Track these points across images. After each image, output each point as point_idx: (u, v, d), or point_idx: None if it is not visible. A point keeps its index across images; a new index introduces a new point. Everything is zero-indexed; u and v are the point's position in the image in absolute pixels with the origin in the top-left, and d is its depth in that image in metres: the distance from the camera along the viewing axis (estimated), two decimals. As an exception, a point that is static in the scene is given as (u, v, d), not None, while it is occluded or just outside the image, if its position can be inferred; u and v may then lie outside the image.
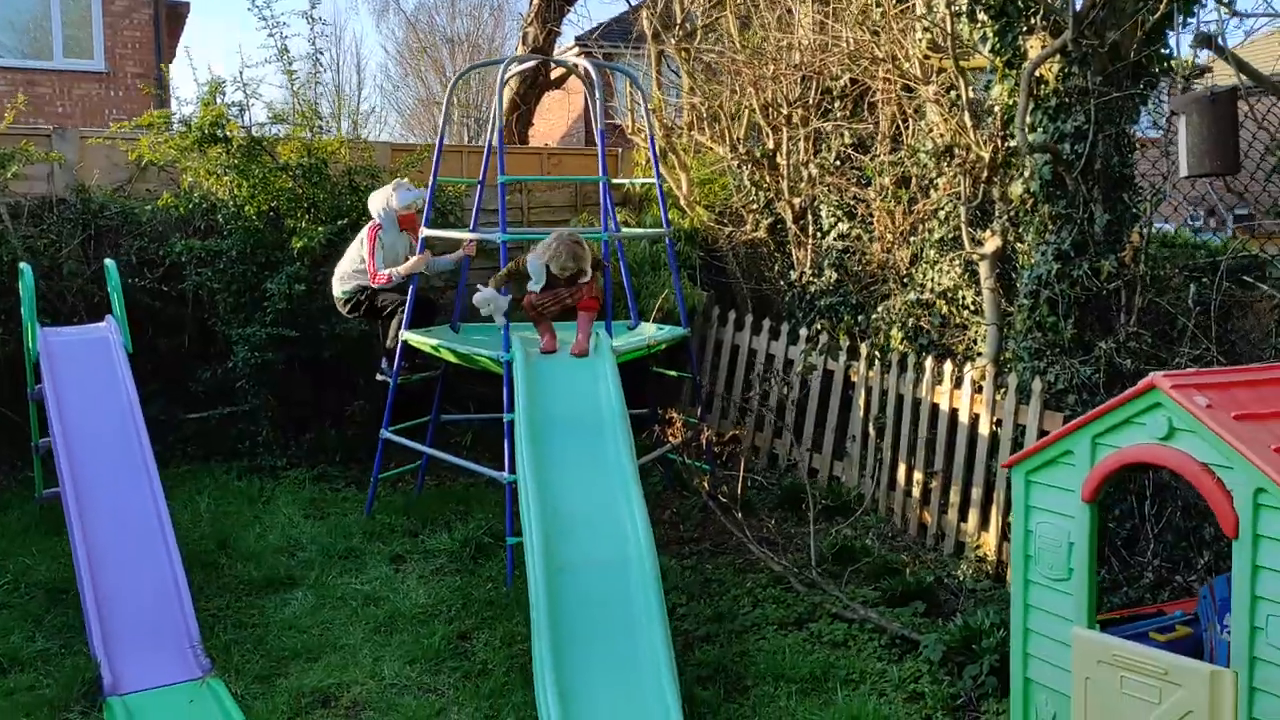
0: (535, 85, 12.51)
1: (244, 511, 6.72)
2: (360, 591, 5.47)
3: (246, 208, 7.43)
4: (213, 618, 5.12)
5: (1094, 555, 3.62)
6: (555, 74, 12.63)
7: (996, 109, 5.96)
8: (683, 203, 8.66)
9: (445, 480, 7.34)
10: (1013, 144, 5.95)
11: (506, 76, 6.72)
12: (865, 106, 7.45)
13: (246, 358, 7.29)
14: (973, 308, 6.43)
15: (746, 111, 8.07)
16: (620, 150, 10.04)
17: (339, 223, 7.53)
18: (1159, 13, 5.12)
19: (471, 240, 6.58)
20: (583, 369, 5.49)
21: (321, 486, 7.33)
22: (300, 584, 5.58)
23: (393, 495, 7.06)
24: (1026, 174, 5.59)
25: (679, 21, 8.74)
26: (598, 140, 6.30)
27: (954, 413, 6.01)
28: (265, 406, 7.54)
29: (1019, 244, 5.92)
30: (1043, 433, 5.35)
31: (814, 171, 7.67)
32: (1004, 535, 5.54)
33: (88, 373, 5.74)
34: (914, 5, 6.56)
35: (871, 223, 7.29)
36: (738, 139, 8.17)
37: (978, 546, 5.66)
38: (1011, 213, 5.98)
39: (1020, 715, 3.92)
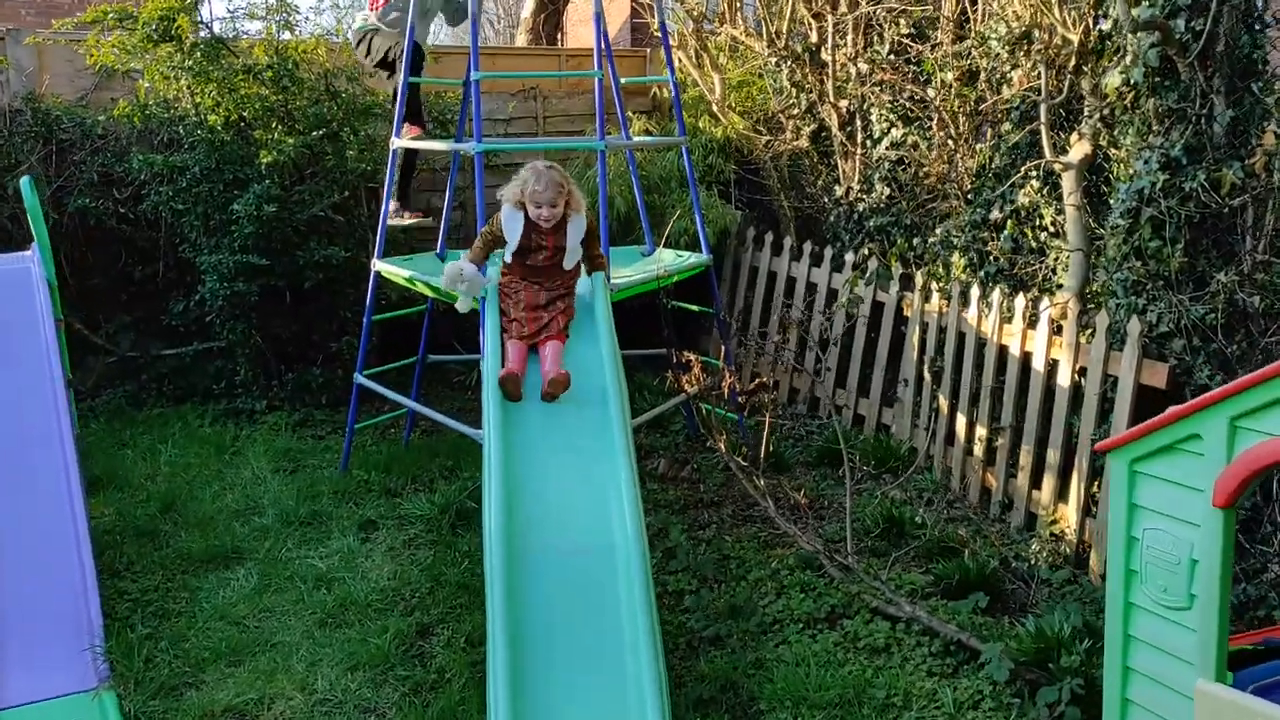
0: (562, -19, 11.36)
1: (208, 464, 5.94)
2: (314, 570, 4.64)
3: (209, 117, 6.51)
4: (133, 604, 4.34)
5: (1227, 579, 2.62)
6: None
7: (1089, -21, 4.78)
8: (715, 109, 7.56)
9: (439, 427, 6.47)
10: (1107, 24, 4.78)
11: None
12: (925, -14, 6.27)
13: (216, 288, 6.44)
14: (1052, 229, 5.32)
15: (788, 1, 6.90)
16: (648, 51, 8.92)
17: (315, 133, 6.58)
18: None
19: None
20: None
21: (301, 434, 6.52)
22: (247, 558, 4.77)
23: (377, 445, 6.23)
24: (1127, 60, 4.45)
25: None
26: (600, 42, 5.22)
27: (1026, 357, 4.96)
28: (241, 343, 6.71)
29: (1114, 150, 4.79)
30: (1141, 387, 4.30)
31: (863, 68, 6.52)
32: (1087, 510, 4.53)
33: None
34: None
35: (930, 128, 6.16)
36: (777, 32, 7.02)
37: (1053, 521, 4.66)
38: (1105, 111, 4.84)
39: (1115, 776, 2.97)
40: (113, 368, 7.14)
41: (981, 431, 5.15)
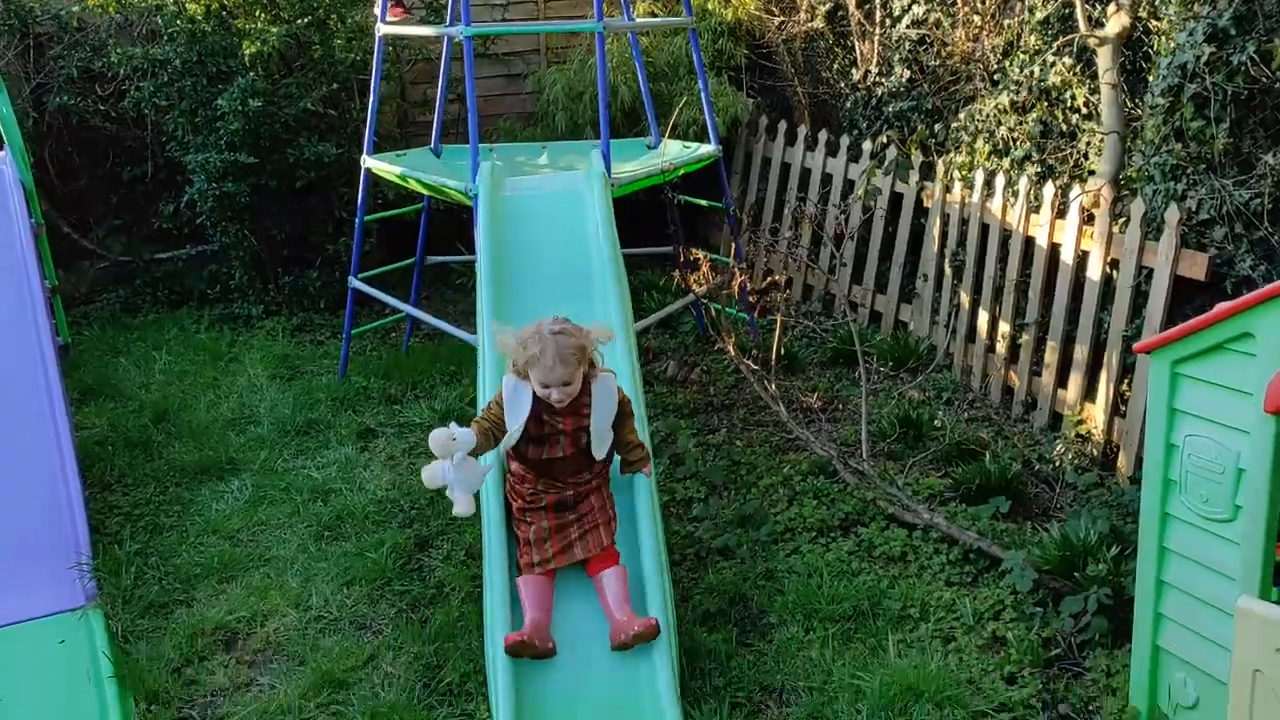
0: None
1: (203, 372, 5.77)
2: (310, 481, 4.49)
3: (189, 5, 6.16)
4: (123, 519, 4.21)
5: (1277, 490, 2.40)
6: None
7: None
8: (725, -13, 7.12)
9: (439, 332, 6.26)
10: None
11: None
12: None
13: (204, 188, 6.18)
14: (1085, 111, 4.98)
15: None
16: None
17: (300, 21, 6.23)
18: None
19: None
20: (567, 205, 4.27)
21: (300, 339, 6.34)
22: (242, 470, 4.62)
23: (377, 351, 6.04)
24: (1173, -80, 4.05)
25: None
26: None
27: (1054, 249, 4.67)
28: (235, 246, 6.48)
29: (1154, 22, 4.42)
30: (1178, 279, 4.02)
31: (883, -61, 6.08)
32: (1116, 409, 4.30)
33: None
34: None
35: (954, 3, 5.75)
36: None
37: (1079, 421, 4.43)
38: (1146, -21, 4.45)
39: (1145, 692, 2.81)
40: (105, 273, 6.94)
41: (1004, 328, 4.90)
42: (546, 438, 3.18)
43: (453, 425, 3.08)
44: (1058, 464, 4.30)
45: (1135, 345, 2.66)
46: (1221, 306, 2.43)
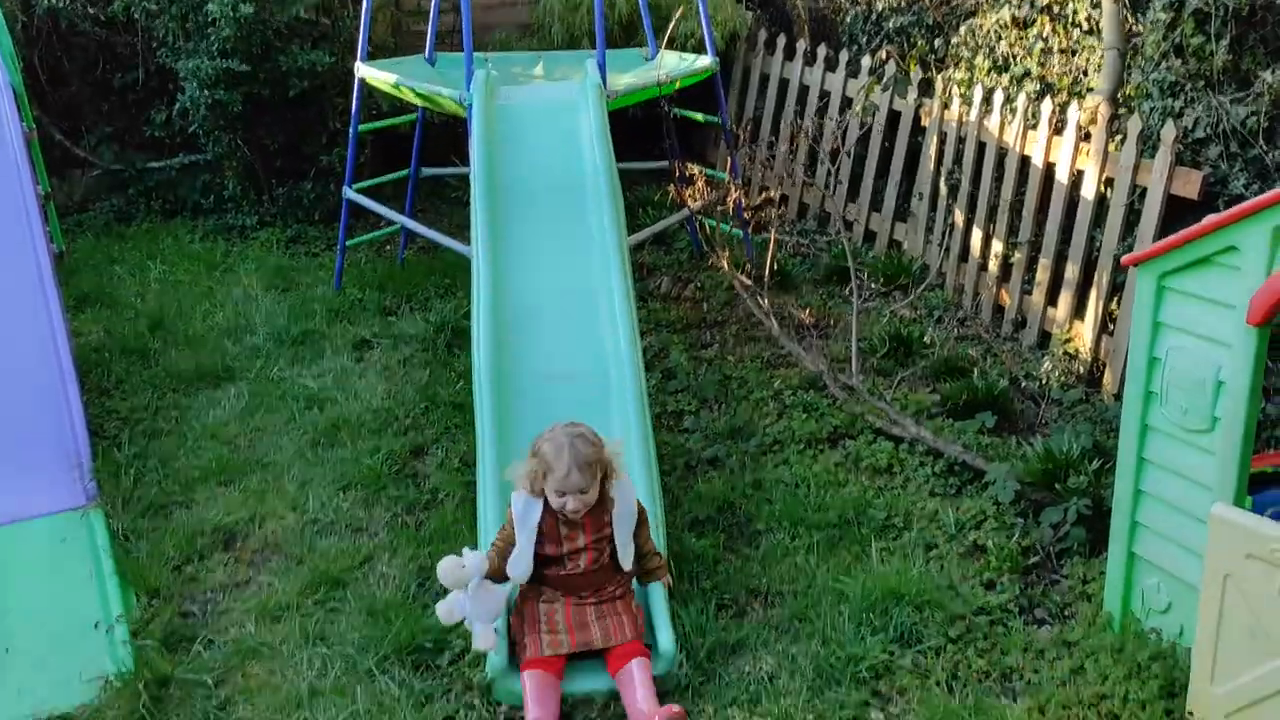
0: None
1: (199, 281, 5.78)
2: (306, 390, 4.53)
3: (178, -93, 6.02)
4: (121, 423, 4.26)
5: (1255, 402, 2.45)
6: None
7: None
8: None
9: (434, 245, 6.25)
10: None
11: None
12: None
13: (196, 96, 6.11)
14: (1086, 26, 4.92)
15: None
16: None
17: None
18: None
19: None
20: (562, 116, 4.24)
21: (294, 251, 6.34)
22: (238, 378, 4.66)
23: (372, 263, 6.04)
24: None
25: None
26: None
27: (1050, 168, 4.67)
28: (228, 155, 6.43)
29: (1160, -65, 4.34)
30: (1171, 198, 4.03)
31: None
32: (1104, 327, 4.34)
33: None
34: None
35: (959, -86, 5.65)
36: None
37: (1067, 339, 4.48)
38: (1153, -110, 4.36)
39: (1120, 597, 2.90)
40: (98, 181, 6.90)
41: (998, 247, 4.91)
42: (566, 557, 2.88)
43: (464, 552, 2.83)
44: (1044, 381, 4.35)
45: (1123, 258, 2.69)
46: (1209, 219, 2.45)
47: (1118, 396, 4.09)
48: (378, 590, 3.24)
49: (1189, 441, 2.59)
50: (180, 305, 5.43)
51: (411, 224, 5.23)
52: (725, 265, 4.68)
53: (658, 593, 2.99)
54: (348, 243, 5.63)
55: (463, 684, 2.84)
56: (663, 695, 2.74)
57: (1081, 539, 3.29)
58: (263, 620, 3.11)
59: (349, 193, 5.38)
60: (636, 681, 2.69)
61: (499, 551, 2.88)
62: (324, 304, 5.41)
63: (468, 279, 5.52)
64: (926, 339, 4.73)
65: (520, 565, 2.85)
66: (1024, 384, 4.40)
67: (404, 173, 5.86)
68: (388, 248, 6.31)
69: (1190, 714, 2.57)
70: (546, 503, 2.86)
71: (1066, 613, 3.08)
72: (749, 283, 4.69)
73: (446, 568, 2.77)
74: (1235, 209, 2.38)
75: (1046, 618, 3.07)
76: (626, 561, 2.91)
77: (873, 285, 5.06)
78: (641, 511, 2.99)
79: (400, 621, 3.02)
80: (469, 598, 2.76)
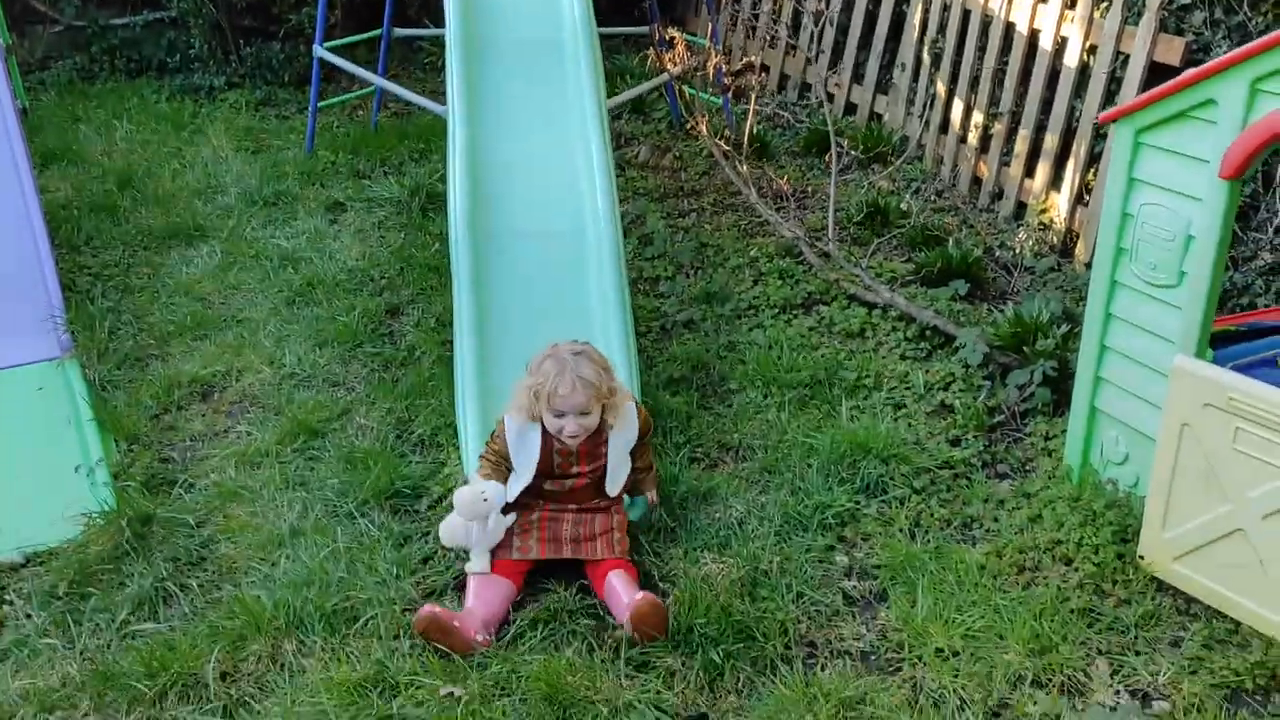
0: None
1: (166, 142, 5.68)
2: (280, 249, 4.50)
3: None
4: (93, 278, 4.23)
5: (1222, 256, 2.50)
6: None
7: None
8: None
9: (408, 109, 6.15)
10: None
11: None
12: None
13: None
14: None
15: None
16: None
17: None
18: None
19: None
20: (540, -33, 4.13)
21: (264, 113, 6.22)
22: (210, 236, 4.62)
23: (344, 127, 5.94)
24: None
25: None
26: None
27: (1034, 35, 4.61)
28: (193, 11, 6.25)
29: None
30: (1153, 65, 4.01)
31: None
32: (1080, 198, 4.36)
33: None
34: None
35: None
36: None
37: (1043, 210, 4.50)
38: None
39: (1079, 452, 2.99)
40: (60, 38, 6.70)
41: (978, 118, 4.89)
42: (556, 474, 2.75)
43: (475, 479, 2.73)
44: (1018, 251, 4.39)
45: (1101, 115, 2.69)
46: (1188, 73, 2.45)
47: (1089, 266, 4.13)
48: (356, 440, 3.28)
49: (1156, 297, 2.64)
50: (149, 165, 5.34)
51: (386, 83, 5.13)
52: (704, 130, 4.64)
53: (640, 508, 2.85)
54: (319, 105, 5.52)
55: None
56: (635, 541, 2.81)
57: (1046, 399, 3.37)
58: (243, 466, 3.15)
59: (320, 51, 5.25)
60: (619, 588, 2.57)
61: (492, 466, 2.74)
62: (296, 166, 5.34)
63: (442, 144, 5.46)
64: (904, 206, 4.73)
65: (517, 491, 2.73)
66: (998, 254, 4.43)
67: (376, 33, 5.71)
68: (359, 112, 6.19)
69: (1141, 558, 2.68)
70: (544, 429, 2.71)
71: (1027, 467, 3.17)
72: (727, 148, 4.65)
73: (467, 500, 2.61)
74: (1214, 62, 2.38)
75: (1008, 472, 3.17)
76: (614, 488, 2.77)
77: (853, 151, 5.02)
78: (646, 428, 2.85)
79: (379, 468, 3.07)
80: (481, 528, 2.64)
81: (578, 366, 2.64)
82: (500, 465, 2.76)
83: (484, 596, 2.57)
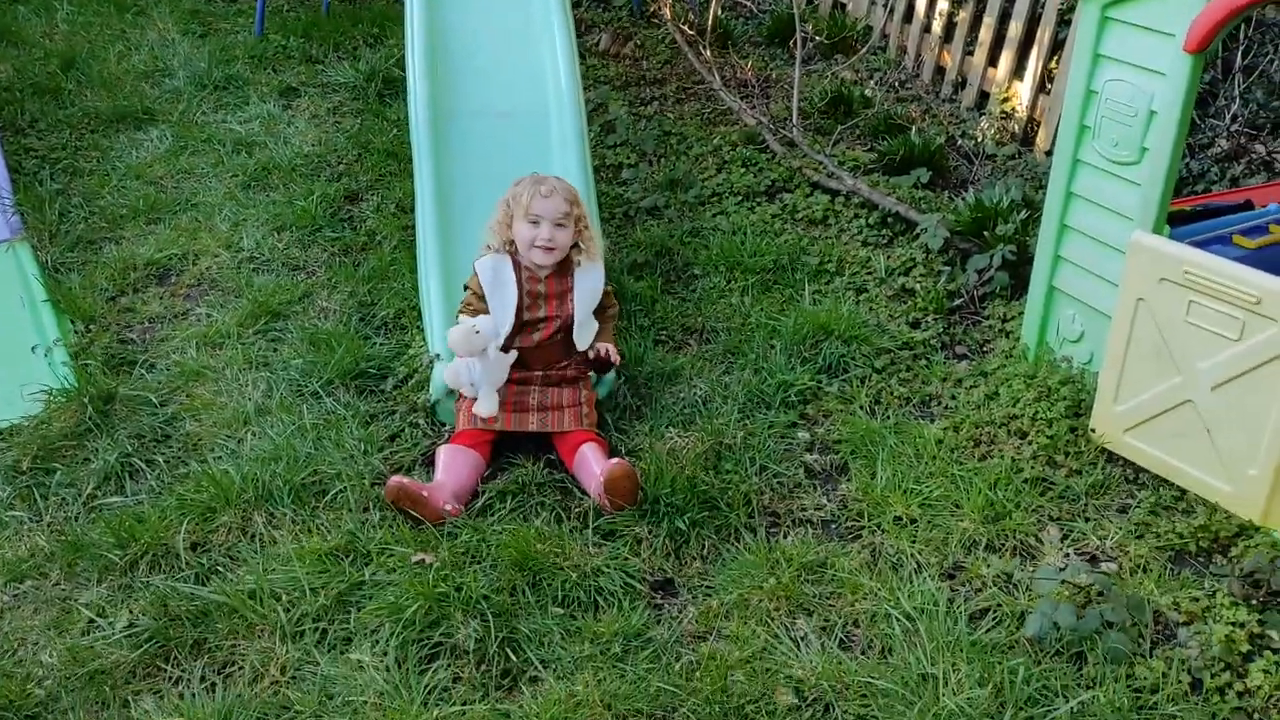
0: None
1: (109, 24, 5.48)
2: (233, 134, 4.40)
3: None
4: (39, 160, 4.11)
5: (1183, 132, 2.52)
6: None
7: None
8: None
9: (361, -7, 5.96)
10: None
11: None
12: None
13: None
14: None
15: None
16: None
17: None
18: None
19: None
20: None
21: (211, -5, 6.00)
22: (160, 120, 4.50)
23: (295, 10, 5.75)
24: None
25: None
26: None
27: (1002, -79, 4.55)
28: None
29: None
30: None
31: None
32: (1042, 86, 4.37)
33: None
34: None
35: None
36: None
37: (1005, 99, 4.50)
38: None
39: (1036, 331, 3.05)
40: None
41: (943, 6, 4.84)
42: (524, 323, 2.79)
43: (463, 318, 2.72)
44: (980, 139, 4.40)
45: (1070, -10, 2.68)
46: (1158, -55, 2.44)
47: (1049, 153, 4.15)
48: (319, 322, 3.26)
49: (1116, 174, 2.67)
50: (92, 47, 5.16)
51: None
52: (667, 12, 4.55)
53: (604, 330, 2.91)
54: (269, -14, 5.33)
55: (407, 406, 2.91)
56: (602, 420, 2.84)
57: (1005, 283, 3.41)
58: (204, 347, 3.13)
59: (269, -72, 5.05)
60: (591, 458, 2.60)
61: (472, 312, 2.76)
62: (246, 50, 5.17)
63: (398, 28, 5.33)
64: (868, 92, 4.71)
65: (505, 324, 2.75)
66: (960, 142, 4.44)
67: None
68: (307, -2, 6.00)
69: (1092, 430, 2.76)
70: (517, 266, 2.78)
71: (985, 348, 3.24)
72: (691, 33, 4.58)
73: (460, 335, 2.60)
74: (1185, -67, 2.37)
75: (966, 353, 3.23)
76: (582, 341, 2.81)
77: (817, 37, 4.97)
78: (610, 299, 2.91)
79: (343, 349, 3.06)
80: (481, 363, 2.63)
81: (553, 181, 2.79)
82: (479, 310, 2.77)
83: (453, 469, 2.60)
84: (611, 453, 2.73)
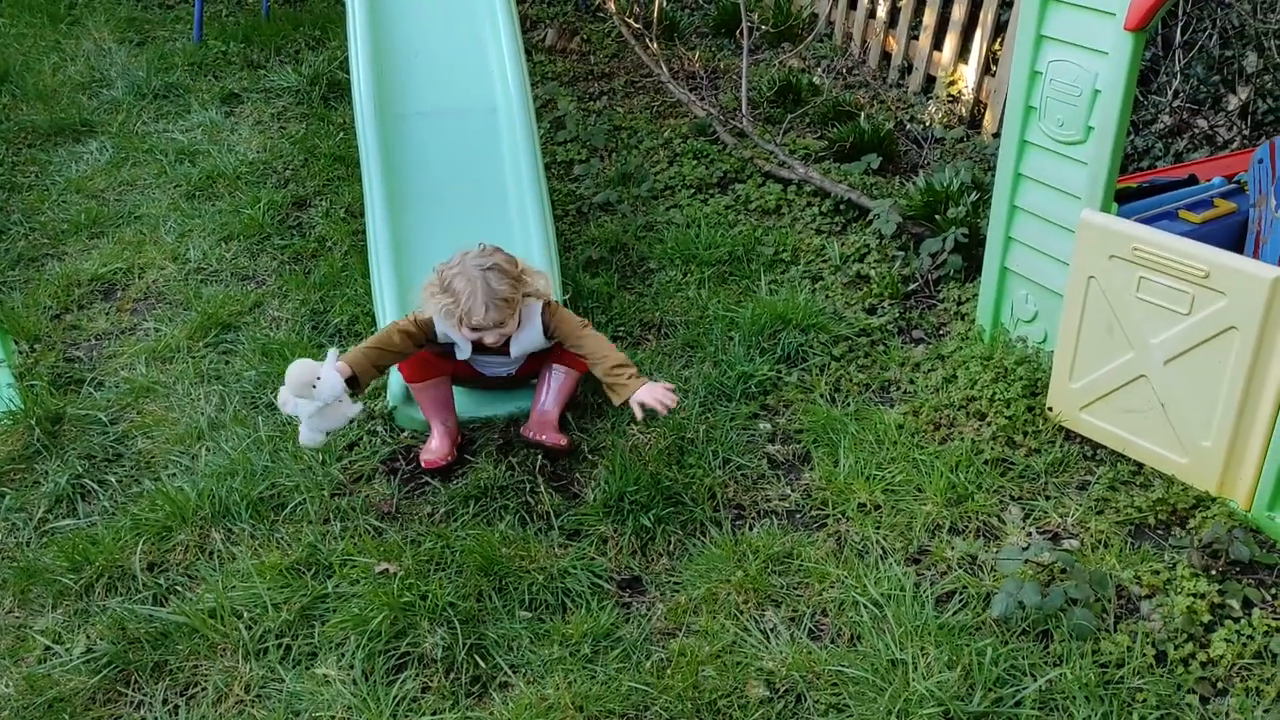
0: None
1: (43, 35, 5.37)
2: (175, 143, 4.32)
3: None
4: (-24, 179, 4.02)
5: (1127, 110, 2.54)
6: None
7: None
8: None
9: (301, -3, 5.89)
10: None
11: None
12: None
13: None
14: None
15: None
16: None
17: None
18: None
19: None
20: None
21: (147, 3, 5.93)
22: (99, 132, 4.41)
23: (234, 15, 5.67)
24: None
25: None
26: None
27: (941, -95, 4.58)
28: (61, -104, 5.83)
29: None
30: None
31: None
32: (987, 68, 4.40)
33: None
34: None
35: None
36: None
37: (951, 82, 4.53)
38: None
39: (991, 312, 3.07)
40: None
41: (887, -9, 4.87)
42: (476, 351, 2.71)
43: (330, 358, 2.48)
44: (928, 123, 4.42)
45: (1011, -27, 2.69)
46: (1096, -75, 2.45)
47: (997, 135, 4.19)
48: (271, 332, 3.21)
49: (1063, 154, 2.69)
50: (26, 59, 5.05)
51: (276, -34, 4.88)
52: (612, 8, 4.53)
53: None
54: (206, -10, 5.25)
55: (364, 413, 2.87)
56: (564, 421, 2.82)
57: (958, 265, 3.44)
58: (154, 362, 3.07)
59: (203, -68, 4.97)
60: (550, 384, 2.69)
61: (371, 360, 2.55)
62: (185, 57, 5.09)
63: (340, 31, 5.28)
64: (816, 80, 4.72)
65: (465, 353, 2.68)
66: (908, 127, 4.46)
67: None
68: (244, 2, 5.91)
69: (1049, 409, 2.79)
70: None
71: (941, 331, 3.25)
72: (637, 26, 4.56)
73: (296, 375, 2.42)
74: (1122, -87, 2.39)
75: (923, 336, 3.24)
76: (535, 356, 2.77)
77: (763, 26, 4.97)
78: (559, 316, 2.70)
79: (296, 359, 3.00)
80: (311, 410, 2.46)
81: (489, 283, 2.49)
82: (383, 362, 2.59)
83: (438, 404, 2.70)
84: (570, 457, 2.72)
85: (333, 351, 2.51)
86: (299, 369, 2.44)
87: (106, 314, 3.31)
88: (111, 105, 4.63)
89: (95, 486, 2.62)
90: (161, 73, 4.90)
